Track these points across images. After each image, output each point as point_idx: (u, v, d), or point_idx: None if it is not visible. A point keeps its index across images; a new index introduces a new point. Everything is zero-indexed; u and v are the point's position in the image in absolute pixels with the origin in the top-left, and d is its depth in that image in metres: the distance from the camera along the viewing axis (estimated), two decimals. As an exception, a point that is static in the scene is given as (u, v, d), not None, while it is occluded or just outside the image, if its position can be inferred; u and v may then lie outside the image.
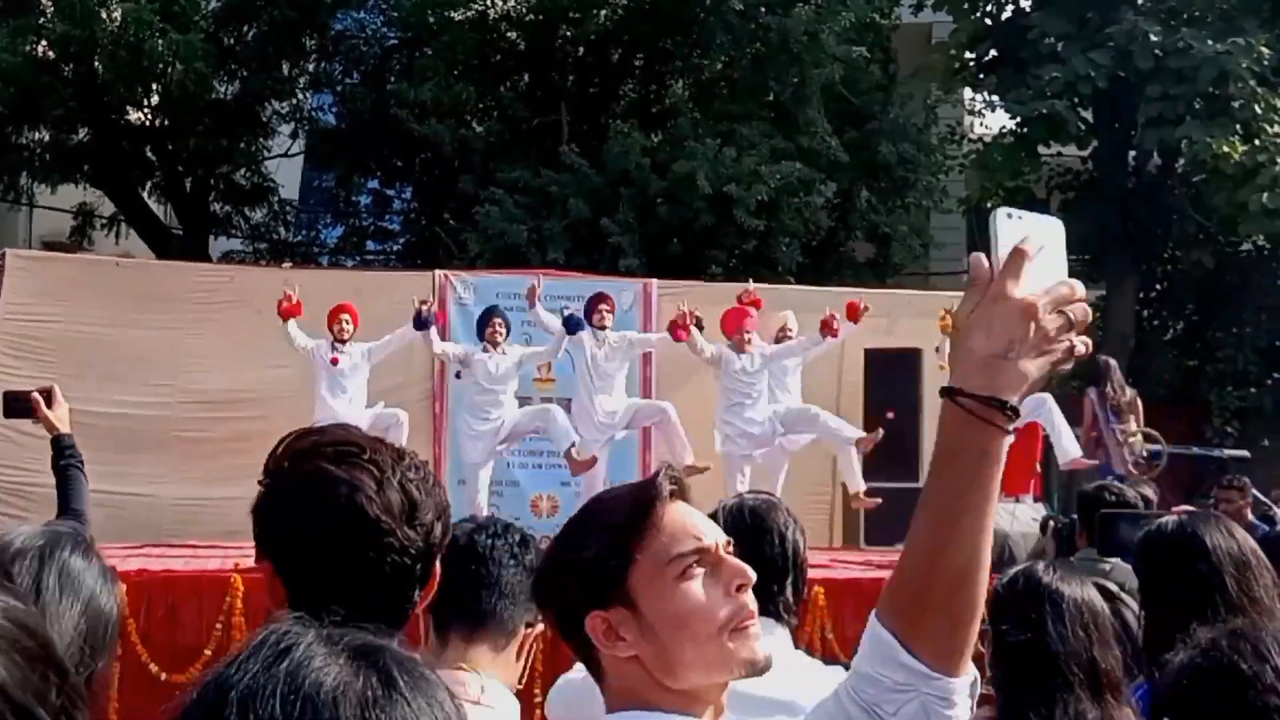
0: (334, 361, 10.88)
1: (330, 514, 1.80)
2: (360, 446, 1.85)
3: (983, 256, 1.60)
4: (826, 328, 11.58)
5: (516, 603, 2.56)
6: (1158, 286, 23.19)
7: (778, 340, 11.76)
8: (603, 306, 11.69)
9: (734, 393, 11.20)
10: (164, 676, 7.15)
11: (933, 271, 23.85)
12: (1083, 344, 1.57)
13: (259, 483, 1.88)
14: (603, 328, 11.59)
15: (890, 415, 11.91)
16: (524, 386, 12.07)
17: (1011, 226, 1.62)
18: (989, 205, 24.23)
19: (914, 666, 1.55)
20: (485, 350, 11.14)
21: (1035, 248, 1.57)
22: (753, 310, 11.74)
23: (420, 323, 11.05)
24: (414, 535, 1.84)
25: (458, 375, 11.84)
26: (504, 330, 11.25)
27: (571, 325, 11.24)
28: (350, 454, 1.84)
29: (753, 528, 2.91)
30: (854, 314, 11.73)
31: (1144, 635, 3.33)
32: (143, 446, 12.08)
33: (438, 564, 1.92)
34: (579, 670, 2.76)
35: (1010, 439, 1.54)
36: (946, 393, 1.55)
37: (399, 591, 1.84)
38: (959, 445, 1.54)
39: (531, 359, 11.54)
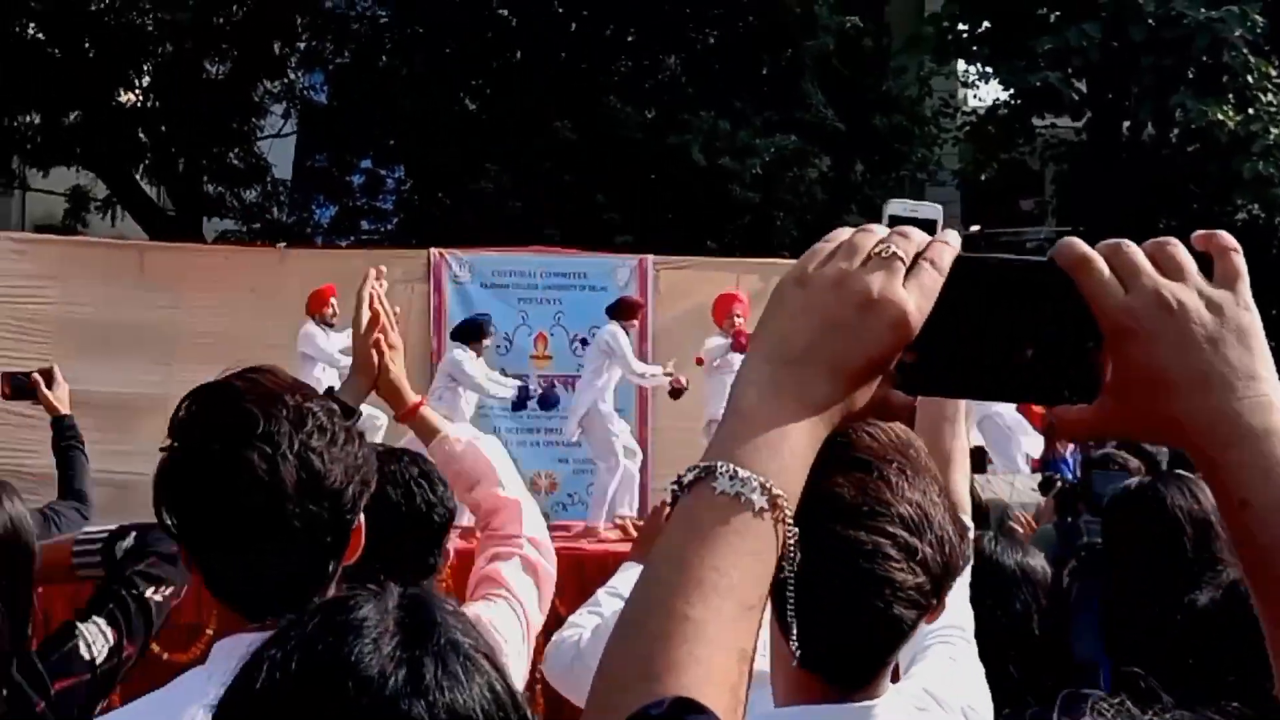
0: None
1: (224, 499, 1.71)
2: (255, 416, 1.72)
3: None
4: None
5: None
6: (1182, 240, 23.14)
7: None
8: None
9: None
10: (165, 656, 7.16)
11: (928, 244, 23.82)
12: None
13: (160, 449, 1.79)
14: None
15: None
16: (518, 364, 12.07)
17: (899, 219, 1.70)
18: (984, 177, 24.28)
19: None
20: None
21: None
22: (743, 295, 11.66)
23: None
24: (316, 509, 1.73)
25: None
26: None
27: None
28: (242, 430, 1.72)
29: None
30: None
31: (1108, 595, 3.35)
32: (142, 425, 12.07)
33: (361, 521, 1.83)
34: (571, 628, 2.79)
35: None
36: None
37: (310, 564, 1.76)
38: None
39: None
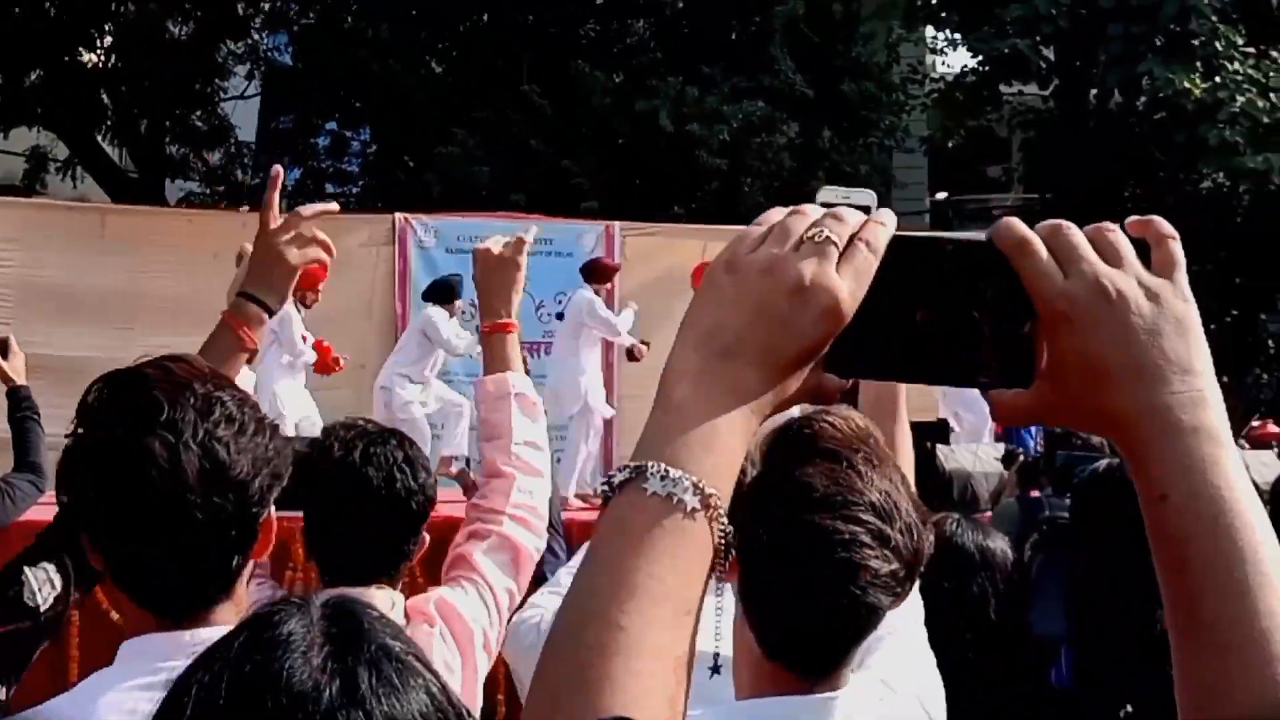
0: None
1: (125, 488, 1.65)
2: (159, 404, 1.68)
3: None
4: None
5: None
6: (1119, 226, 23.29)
7: None
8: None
9: None
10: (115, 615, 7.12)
11: (895, 211, 23.80)
12: None
13: (64, 435, 1.74)
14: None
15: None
16: (528, 330, 12.09)
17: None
18: (951, 144, 24.31)
19: None
20: None
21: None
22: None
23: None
24: (221, 500, 1.67)
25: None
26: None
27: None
28: (145, 416, 1.67)
29: None
30: None
31: (1074, 575, 3.35)
32: (102, 391, 12.01)
33: (271, 514, 1.77)
34: (531, 609, 2.77)
35: None
36: None
37: (214, 558, 1.71)
38: None
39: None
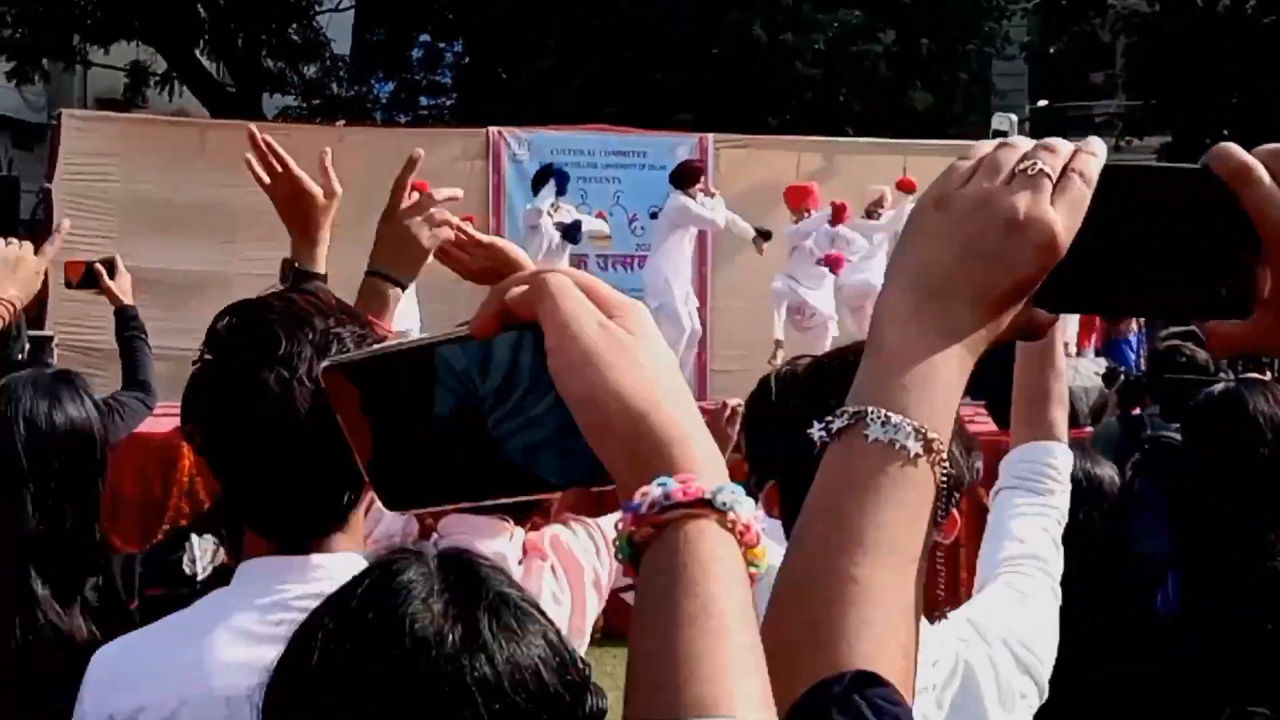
0: None
1: (237, 418, 1.68)
2: (277, 337, 1.69)
3: None
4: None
5: None
6: (1224, 134, 22.71)
7: (869, 215, 11.78)
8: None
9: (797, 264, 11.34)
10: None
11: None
12: None
13: (192, 361, 1.77)
14: (710, 194, 11.45)
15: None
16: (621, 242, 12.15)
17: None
18: (1052, 50, 23.75)
19: None
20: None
21: None
22: (814, 186, 11.72)
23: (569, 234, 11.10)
24: (333, 433, 1.67)
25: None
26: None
27: (572, 234, 11.08)
28: (263, 348, 1.69)
29: None
30: (907, 187, 11.74)
31: (1184, 499, 3.31)
32: (202, 301, 12.16)
33: None
34: None
35: None
36: None
37: (327, 491, 1.71)
38: None
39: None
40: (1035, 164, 0.94)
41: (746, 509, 0.83)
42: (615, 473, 0.84)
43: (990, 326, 0.96)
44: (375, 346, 0.98)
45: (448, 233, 2.41)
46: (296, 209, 2.50)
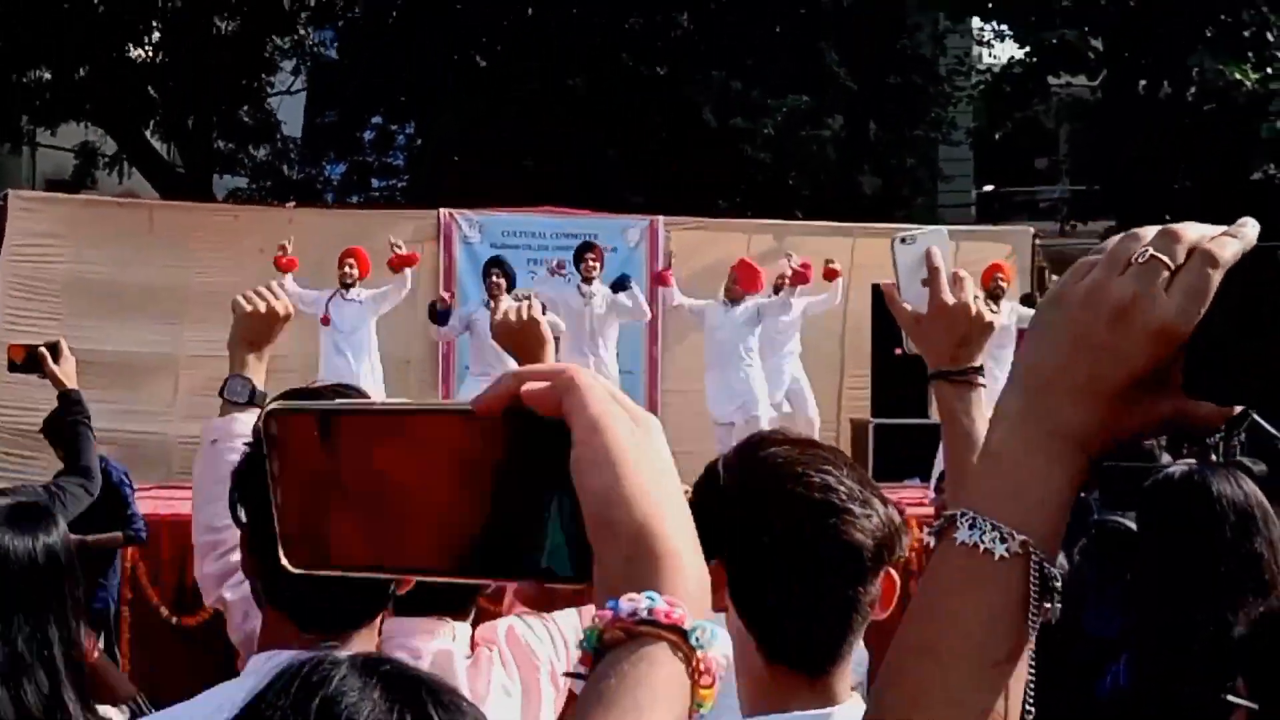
0: (324, 321, 10.66)
1: None
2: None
3: (892, 289, 2.00)
4: (799, 278, 11.40)
5: None
6: (1166, 218, 23.01)
7: (776, 289, 11.62)
8: (589, 256, 11.17)
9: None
10: (175, 620, 7.19)
11: (941, 204, 23.73)
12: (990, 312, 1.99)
13: (245, 445, 1.78)
14: (589, 280, 11.17)
15: (898, 352, 11.84)
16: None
17: (906, 250, 1.97)
18: (998, 136, 24.13)
19: None
20: (487, 305, 10.65)
21: (939, 260, 1.95)
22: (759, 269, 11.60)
23: (438, 316, 10.90)
24: None
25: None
26: (504, 283, 10.71)
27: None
28: None
29: None
30: (829, 275, 11.74)
31: (1134, 590, 3.31)
32: (150, 384, 12.10)
33: None
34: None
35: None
36: (939, 375, 1.93)
37: (373, 584, 1.72)
38: (959, 409, 1.88)
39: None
40: (1147, 252, 0.93)
41: (717, 650, 0.83)
42: (606, 572, 0.84)
43: (1105, 421, 0.94)
44: (362, 402, 0.96)
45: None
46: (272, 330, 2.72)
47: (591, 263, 11.05)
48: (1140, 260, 0.92)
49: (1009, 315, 10.37)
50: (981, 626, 0.94)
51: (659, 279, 11.59)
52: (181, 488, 10.15)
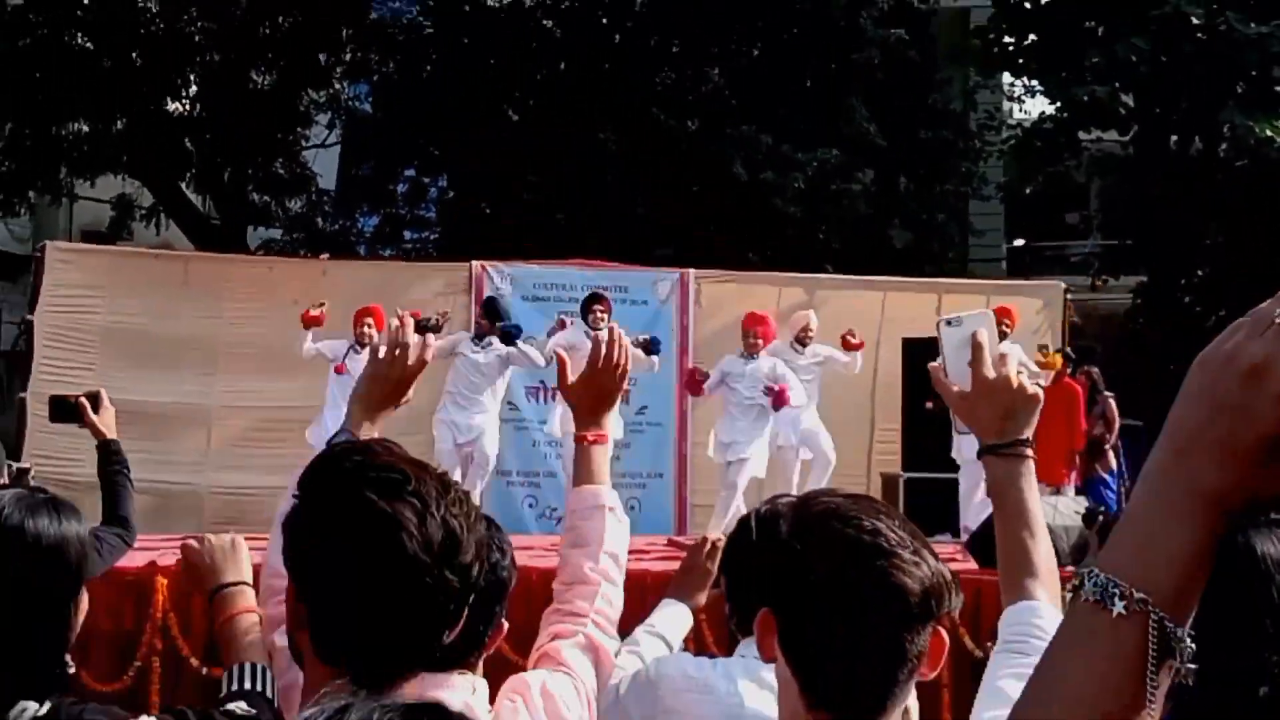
0: (338, 370, 10.67)
1: (367, 549, 1.68)
2: (405, 475, 1.71)
3: (939, 369, 2.07)
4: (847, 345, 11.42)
5: None
6: (1199, 273, 22.99)
7: (799, 340, 11.50)
8: (597, 308, 10.98)
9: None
10: (205, 670, 7.19)
11: (972, 259, 23.72)
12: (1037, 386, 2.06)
13: (294, 495, 1.78)
14: (597, 330, 11.11)
15: (929, 406, 11.83)
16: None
17: (951, 332, 2.06)
18: (1028, 191, 24.14)
19: None
20: (474, 341, 10.82)
21: (984, 337, 2.02)
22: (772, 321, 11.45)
23: (423, 328, 10.82)
24: (452, 577, 1.71)
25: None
26: (486, 323, 10.85)
27: (512, 334, 10.78)
28: (394, 483, 1.70)
29: None
30: (849, 347, 11.58)
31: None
32: (184, 435, 12.17)
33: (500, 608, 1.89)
34: (614, 672, 2.76)
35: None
36: (988, 450, 1.99)
37: (426, 633, 1.73)
38: (1007, 481, 1.97)
39: (518, 360, 10.93)
40: None
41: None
42: None
43: (1244, 480, 0.95)
44: None
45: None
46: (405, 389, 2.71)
47: (600, 313, 10.90)
48: (1278, 320, 0.93)
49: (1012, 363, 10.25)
50: (1093, 681, 0.95)
51: (690, 388, 11.55)
52: (213, 538, 10.21)
